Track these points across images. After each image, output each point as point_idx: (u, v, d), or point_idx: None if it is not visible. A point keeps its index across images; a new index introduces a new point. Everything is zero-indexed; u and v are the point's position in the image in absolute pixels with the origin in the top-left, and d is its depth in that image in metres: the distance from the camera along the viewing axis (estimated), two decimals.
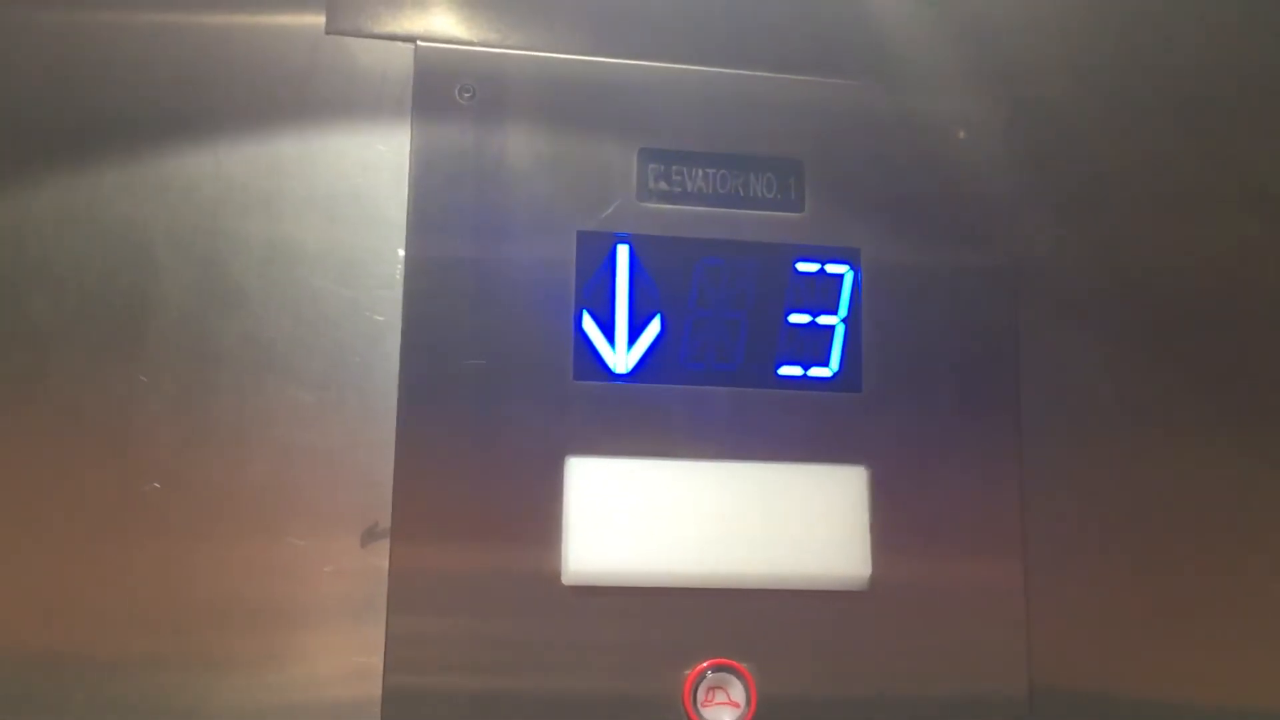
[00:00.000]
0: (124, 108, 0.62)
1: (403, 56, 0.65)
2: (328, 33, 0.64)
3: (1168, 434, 0.69)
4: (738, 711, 0.62)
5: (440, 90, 0.65)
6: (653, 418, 0.64)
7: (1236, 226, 0.72)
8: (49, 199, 0.61)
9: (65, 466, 0.59)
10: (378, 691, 0.59)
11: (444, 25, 0.66)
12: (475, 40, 0.66)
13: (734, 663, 0.62)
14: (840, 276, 0.67)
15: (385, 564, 0.60)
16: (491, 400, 0.63)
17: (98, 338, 0.60)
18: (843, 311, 0.67)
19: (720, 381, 0.65)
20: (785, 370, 0.66)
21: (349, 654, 0.60)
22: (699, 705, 0.62)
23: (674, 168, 0.67)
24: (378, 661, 0.59)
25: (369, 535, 0.61)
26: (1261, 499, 0.69)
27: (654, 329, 0.65)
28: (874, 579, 0.64)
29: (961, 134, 0.70)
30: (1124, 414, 0.69)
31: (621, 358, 0.64)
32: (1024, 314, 0.69)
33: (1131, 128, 0.72)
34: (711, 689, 0.62)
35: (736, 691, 0.62)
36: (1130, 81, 0.72)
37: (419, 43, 0.65)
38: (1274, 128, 0.73)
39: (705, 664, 0.62)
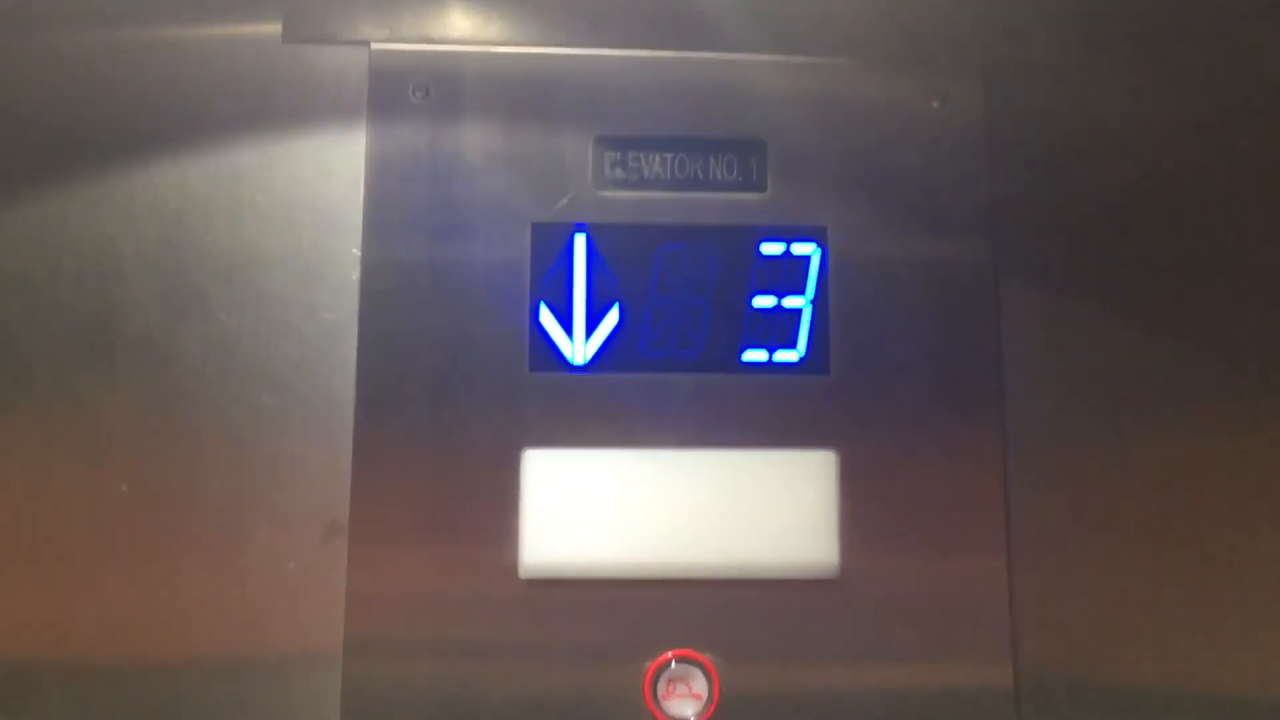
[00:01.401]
0: (91, 124, 0.64)
1: (358, 60, 0.66)
2: (285, 42, 0.66)
3: (1157, 419, 0.65)
4: (699, 703, 0.60)
5: (394, 91, 0.66)
6: (611, 407, 0.63)
7: (1228, 202, 0.67)
8: (22, 215, 0.64)
9: (40, 470, 0.62)
10: (337, 685, 0.60)
11: (397, 26, 0.66)
12: (428, 38, 0.66)
13: (696, 654, 0.61)
14: (807, 258, 0.65)
15: (344, 560, 0.61)
16: (447, 395, 0.63)
17: (70, 346, 0.63)
18: (810, 293, 0.65)
19: (682, 369, 0.64)
20: (750, 355, 0.64)
21: (309, 647, 0.61)
22: (659, 697, 0.60)
23: (631, 154, 0.66)
24: (337, 653, 0.60)
25: (329, 532, 0.62)
26: (1251, 486, 0.64)
27: (613, 318, 0.64)
28: (844, 567, 0.62)
29: (935, 105, 0.67)
30: (1113, 398, 0.65)
31: (579, 348, 0.64)
32: (1005, 293, 0.66)
33: (1117, 95, 0.68)
34: (673, 681, 0.61)
35: (698, 683, 0.61)
36: (1121, 46, 0.68)
37: (373, 45, 0.66)
38: (1261, 92, 0.68)
39: (666, 656, 0.61)
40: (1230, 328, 0.66)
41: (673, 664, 0.61)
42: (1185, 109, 0.68)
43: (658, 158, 0.66)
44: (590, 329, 0.64)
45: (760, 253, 0.65)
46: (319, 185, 0.65)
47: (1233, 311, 0.67)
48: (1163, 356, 0.66)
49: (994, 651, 0.62)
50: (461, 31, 0.66)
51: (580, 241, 0.65)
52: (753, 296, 0.65)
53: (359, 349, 0.63)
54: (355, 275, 0.64)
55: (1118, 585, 0.64)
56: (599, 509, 0.62)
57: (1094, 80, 0.68)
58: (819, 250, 0.65)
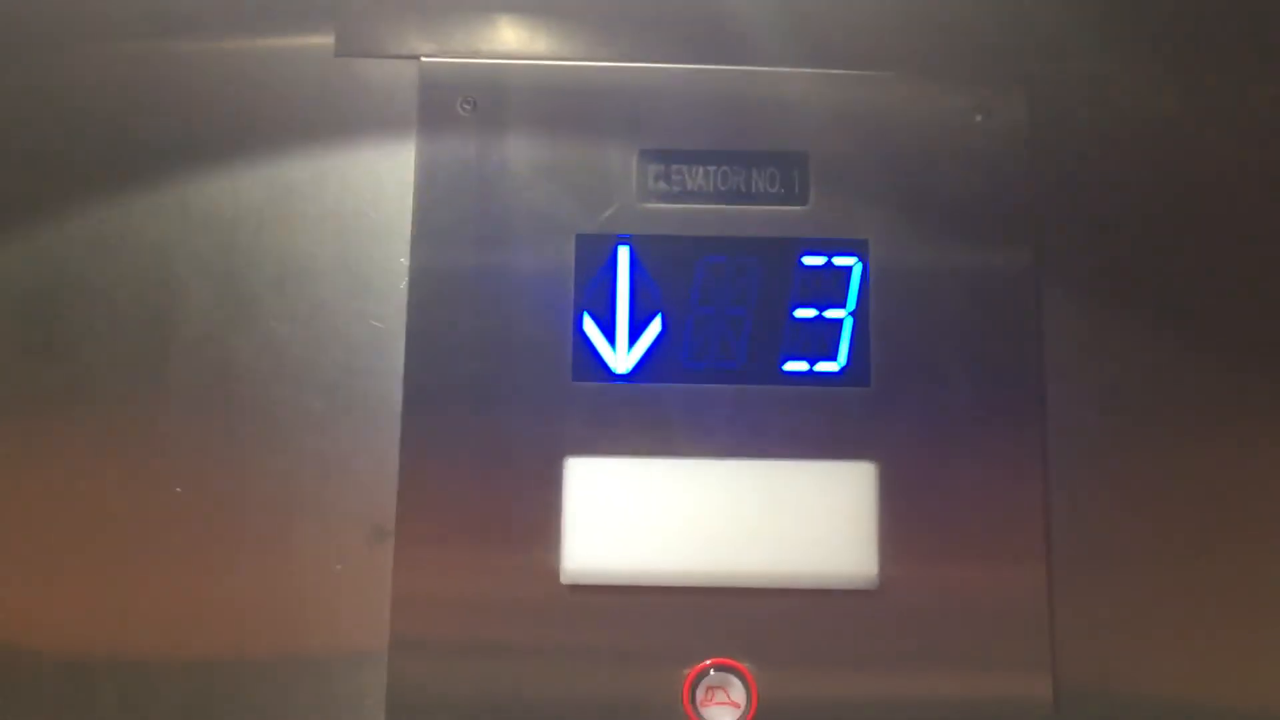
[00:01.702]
0: (150, 136, 0.66)
1: (408, 73, 0.67)
2: (337, 55, 0.67)
3: (1201, 430, 0.65)
4: (738, 712, 0.61)
5: (443, 104, 0.67)
6: (653, 417, 0.64)
7: (1275, 210, 0.67)
8: (83, 224, 0.65)
9: (97, 471, 0.63)
10: (382, 686, 0.61)
11: (447, 40, 0.68)
12: (477, 52, 0.68)
13: (734, 663, 0.62)
14: (848, 269, 0.66)
15: (390, 563, 0.62)
16: (492, 403, 0.64)
17: (127, 351, 0.64)
18: (851, 305, 0.65)
19: (723, 379, 0.65)
20: (790, 366, 0.65)
21: (355, 648, 0.62)
22: (698, 705, 0.61)
23: (674, 167, 0.67)
24: (382, 656, 0.61)
25: (375, 535, 0.63)
26: None
27: (655, 328, 0.65)
28: (883, 578, 0.62)
29: (979, 118, 0.67)
30: (1157, 409, 0.65)
31: (622, 358, 0.65)
32: (1049, 304, 0.66)
33: (1159, 105, 0.68)
34: (711, 689, 0.61)
35: (736, 692, 0.61)
36: (1160, 56, 0.68)
37: (422, 59, 0.67)
38: None
39: (705, 663, 0.62)
40: (1278, 338, 0.66)
41: (711, 672, 0.62)
42: (1230, 118, 0.68)
43: (700, 170, 0.67)
44: (633, 339, 0.65)
45: (802, 264, 0.66)
46: (369, 196, 0.66)
47: None
48: (1207, 367, 0.66)
49: (1034, 662, 0.62)
50: (509, 45, 0.68)
51: (624, 253, 0.66)
52: (794, 308, 0.65)
53: (406, 356, 0.64)
54: (403, 284, 0.65)
55: (1159, 597, 0.63)
56: (640, 517, 0.63)
57: (1137, 91, 0.68)
58: (860, 262, 0.66)
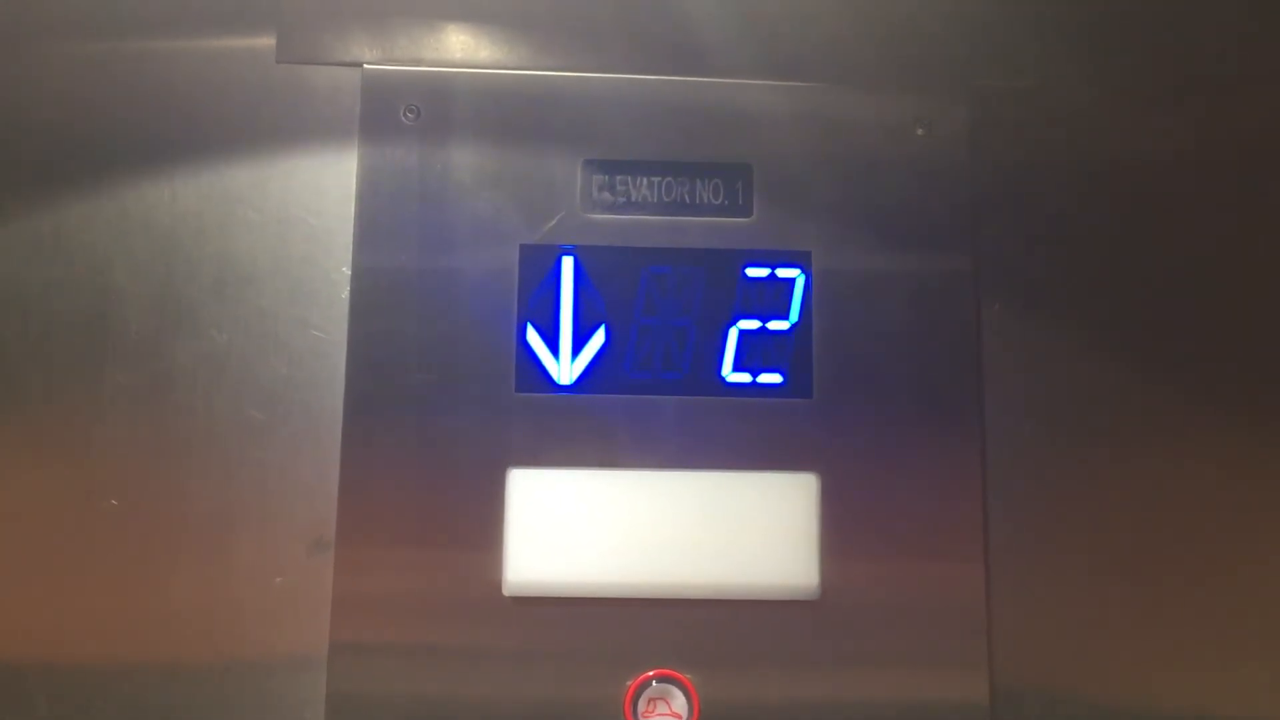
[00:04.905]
0: (86, 140, 0.65)
1: (351, 80, 0.67)
2: (278, 61, 0.67)
3: (1136, 438, 0.66)
4: None
5: (386, 111, 0.66)
6: (596, 428, 0.64)
7: (1210, 221, 0.68)
8: (18, 229, 0.64)
9: (31, 481, 0.62)
10: (322, 698, 0.61)
11: (390, 48, 0.67)
12: (420, 60, 0.67)
13: (676, 673, 0.62)
14: (791, 281, 0.66)
15: (330, 574, 0.62)
16: (434, 413, 0.64)
17: (62, 358, 0.63)
18: (793, 316, 0.66)
19: (666, 390, 0.65)
20: (733, 377, 0.65)
21: (294, 661, 0.61)
22: (639, 716, 0.61)
23: (618, 178, 0.67)
24: (322, 669, 0.61)
25: (315, 546, 0.62)
26: (1230, 504, 0.66)
27: (598, 339, 0.65)
28: (825, 588, 0.63)
29: (920, 131, 0.68)
30: (1092, 417, 0.66)
31: (565, 369, 0.65)
32: (987, 315, 0.67)
33: (1100, 119, 0.69)
34: (653, 700, 0.62)
35: (678, 702, 0.62)
36: (1099, 70, 0.69)
37: (365, 66, 0.67)
38: (1254, 118, 0.70)
39: (647, 674, 0.62)
40: (1210, 346, 0.68)
41: (653, 683, 0.62)
42: (1169, 130, 0.70)
43: (645, 181, 0.67)
44: (576, 350, 0.65)
45: (745, 276, 0.66)
46: (310, 203, 0.66)
47: (1213, 330, 0.68)
48: (1144, 375, 0.67)
49: (971, 669, 0.63)
50: (453, 54, 0.67)
51: (568, 263, 0.66)
52: (737, 319, 0.66)
53: (347, 366, 0.64)
54: (345, 293, 0.65)
55: (1095, 604, 0.65)
56: (583, 528, 0.63)
57: (1076, 104, 0.69)
58: (803, 274, 0.66)
